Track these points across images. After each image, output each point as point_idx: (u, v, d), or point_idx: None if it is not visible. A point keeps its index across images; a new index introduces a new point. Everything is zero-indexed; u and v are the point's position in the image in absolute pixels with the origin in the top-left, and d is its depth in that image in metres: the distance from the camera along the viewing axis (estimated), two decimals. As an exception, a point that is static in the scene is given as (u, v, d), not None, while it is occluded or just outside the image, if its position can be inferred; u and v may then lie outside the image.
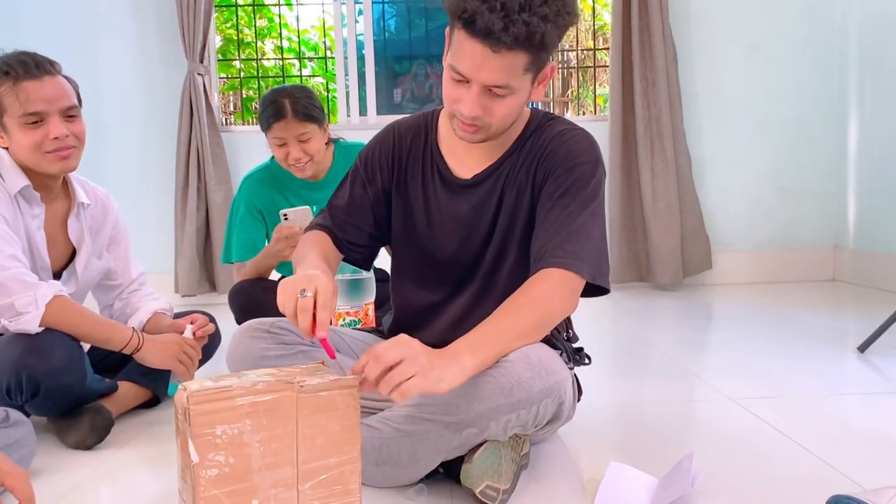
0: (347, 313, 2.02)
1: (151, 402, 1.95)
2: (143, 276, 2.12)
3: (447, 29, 1.27)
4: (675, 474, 1.25)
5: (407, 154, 1.47)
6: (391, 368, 1.07)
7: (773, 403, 1.82)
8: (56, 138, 1.69)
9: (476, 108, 1.25)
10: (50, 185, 1.80)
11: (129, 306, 2.03)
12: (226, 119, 4.50)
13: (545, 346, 1.29)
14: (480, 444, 1.24)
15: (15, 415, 1.45)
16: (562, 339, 1.48)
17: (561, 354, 1.42)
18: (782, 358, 2.30)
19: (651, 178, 3.87)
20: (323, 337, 1.13)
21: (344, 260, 1.51)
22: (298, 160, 2.30)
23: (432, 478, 1.32)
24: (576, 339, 1.57)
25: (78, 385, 1.65)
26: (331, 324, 1.16)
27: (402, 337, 1.13)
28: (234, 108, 4.60)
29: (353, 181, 1.51)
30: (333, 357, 1.15)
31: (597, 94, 4.60)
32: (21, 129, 1.69)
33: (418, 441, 1.23)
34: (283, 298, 1.15)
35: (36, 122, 1.68)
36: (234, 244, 2.52)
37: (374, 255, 1.58)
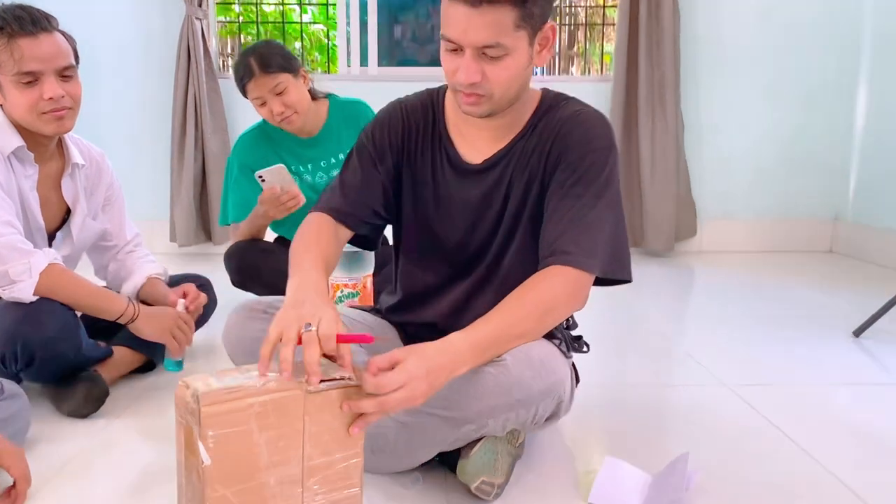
0: (346, 285, 2.00)
1: (146, 367, 1.94)
2: (138, 237, 2.09)
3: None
4: (670, 474, 1.26)
5: (416, 135, 1.42)
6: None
7: (766, 392, 1.83)
8: (51, 98, 1.64)
9: (473, 74, 1.20)
10: (44, 145, 1.76)
11: (124, 269, 2.01)
12: (223, 62, 4.40)
13: (546, 343, 1.29)
14: (478, 440, 1.24)
15: (10, 387, 1.44)
16: (561, 328, 1.47)
17: (560, 344, 1.41)
18: (777, 340, 2.31)
19: (651, 143, 3.83)
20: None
21: (352, 238, 1.46)
22: (281, 114, 2.28)
23: (427, 465, 1.33)
24: (575, 325, 1.56)
25: (73, 354, 1.64)
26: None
27: (412, 368, 1.05)
28: (233, 51, 4.49)
29: (361, 157, 1.43)
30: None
31: (604, 52, 4.50)
32: (15, 87, 1.64)
33: (416, 433, 1.23)
34: (280, 323, 1.06)
35: (31, 81, 1.63)
36: (231, 205, 2.50)
37: (381, 233, 1.55)
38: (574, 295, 1.25)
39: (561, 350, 1.40)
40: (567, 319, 1.53)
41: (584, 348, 1.53)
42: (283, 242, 2.63)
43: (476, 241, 1.41)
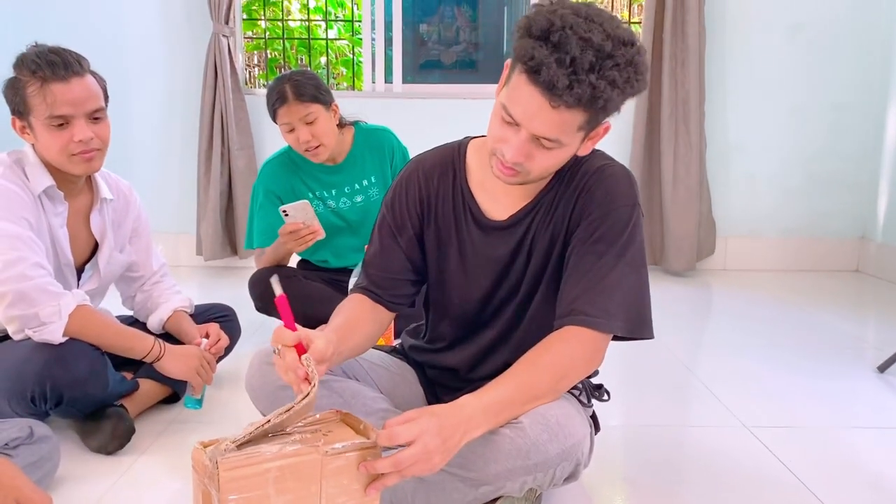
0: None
1: (171, 398, 1.98)
2: (164, 267, 2.13)
3: (508, 60, 1.21)
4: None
5: (436, 194, 1.42)
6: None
7: (787, 436, 1.82)
8: (80, 141, 1.68)
9: (520, 155, 1.18)
10: (74, 182, 1.81)
11: (151, 300, 2.05)
12: (249, 74, 4.44)
13: (564, 401, 1.29)
14: (496, 498, 1.25)
15: (39, 430, 1.48)
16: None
17: (579, 394, 1.42)
18: (799, 373, 2.29)
19: (673, 162, 3.80)
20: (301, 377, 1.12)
21: (397, 311, 1.48)
22: (308, 143, 2.31)
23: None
24: (595, 373, 1.56)
25: (100, 393, 1.68)
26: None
27: (422, 421, 1.08)
28: (259, 63, 4.53)
29: (381, 231, 1.45)
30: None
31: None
32: (47, 130, 1.68)
33: (433, 490, 1.25)
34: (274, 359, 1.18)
35: (62, 124, 1.68)
36: (256, 231, 2.53)
37: (419, 292, 1.55)
38: (590, 357, 1.26)
39: (580, 400, 1.40)
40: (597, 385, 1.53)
41: (605, 397, 1.53)
42: (307, 266, 2.67)
43: (500, 296, 1.42)
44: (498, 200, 1.38)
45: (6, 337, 1.70)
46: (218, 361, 2.03)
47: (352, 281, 2.03)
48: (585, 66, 1.08)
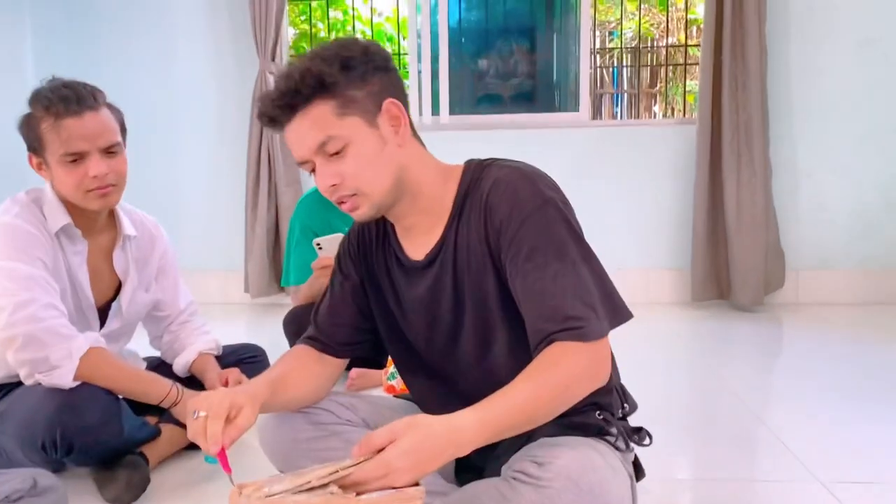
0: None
1: (196, 445, 1.88)
2: (192, 304, 2.06)
3: None
4: None
5: (371, 240, 1.36)
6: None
7: (866, 493, 1.61)
8: (95, 177, 1.63)
9: (327, 178, 1.16)
10: (94, 219, 1.75)
11: (178, 342, 1.98)
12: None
13: (597, 458, 1.12)
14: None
15: (44, 480, 1.39)
16: (615, 421, 1.30)
17: (615, 440, 1.25)
18: (879, 420, 2.06)
19: (736, 189, 3.59)
20: (216, 452, 1.09)
21: (351, 359, 1.41)
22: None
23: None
24: (633, 409, 1.38)
25: (114, 440, 1.60)
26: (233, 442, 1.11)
27: (394, 459, 0.96)
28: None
29: (332, 280, 1.42)
30: (228, 472, 1.08)
31: (686, 90, 4.30)
32: (62, 166, 1.63)
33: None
34: (186, 420, 1.13)
35: (76, 160, 1.63)
36: (292, 267, 2.47)
37: (379, 344, 1.45)
38: (593, 372, 1.12)
39: (617, 446, 1.24)
40: (623, 406, 1.36)
41: (647, 441, 1.35)
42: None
43: (442, 339, 1.30)
44: (415, 242, 1.30)
45: (21, 382, 1.64)
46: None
47: None
48: (282, 85, 1.15)
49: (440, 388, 1.35)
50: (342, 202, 1.19)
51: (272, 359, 2.12)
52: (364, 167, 1.16)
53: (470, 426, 1.01)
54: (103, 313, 1.81)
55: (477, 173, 1.24)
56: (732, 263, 3.62)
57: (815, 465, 1.75)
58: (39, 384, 1.57)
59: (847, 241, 3.71)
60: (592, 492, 1.06)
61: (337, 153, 1.15)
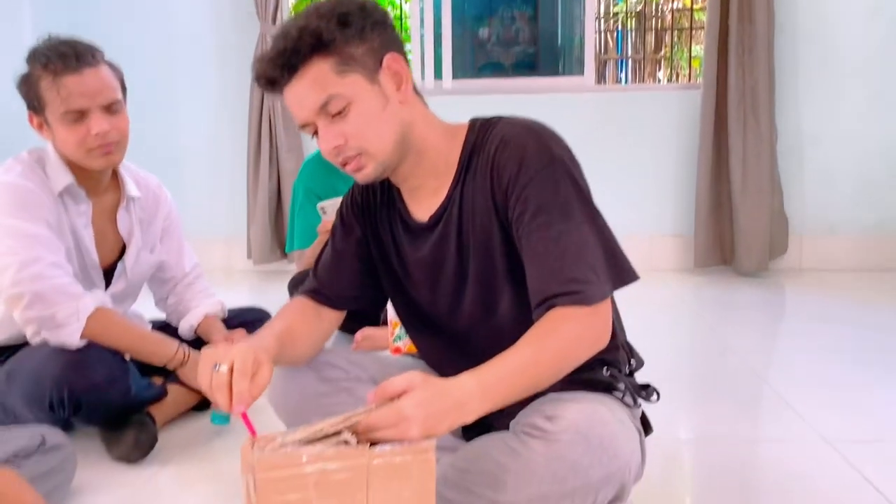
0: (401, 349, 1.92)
1: (203, 405, 1.89)
2: (197, 267, 2.05)
3: None
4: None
5: (376, 199, 1.34)
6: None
7: (872, 450, 1.61)
8: (97, 134, 1.61)
9: (331, 139, 1.12)
10: (97, 179, 1.74)
11: (182, 304, 1.98)
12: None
13: (607, 413, 1.12)
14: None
15: (52, 438, 1.40)
16: (623, 377, 1.30)
17: (623, 396, 1.25)
18: (885, 383, 2.06)
19: (742, 156, 3.57)
20: (241, 412, 1.02)
21: (349, 312, 1.40)
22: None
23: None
24: (640, 365, 1.38)
25: (121, 399, 1.60)
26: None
27: (408, 409, 0.95)
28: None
29: (333, 235, 1.39)
30: (254, 435, 1.00)
31: (692, 56, 4.25)
32: (63, 124, 1.61)
33: (457, 513, 1.11)
34: (200, 372, 1.08)
35: (77, 118, 1.60)
36: (297, 232, 2.47)
37: (379, 304, 1.46)
38: (596, 335, 1.11)
39: (624, 402, 1.24)
40: (629, 362, 1.36)
41: (654, 397, 1.34)
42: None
43: (445, 300, 1.29)
44: (421, 203, 1.28)
45: (27, 344, 1.64)
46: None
47: None
48: (280, 45, 1.11)
49: (447, 345, 1.34)
50: (346, 163, 1.16)
51: (277, 322, 2.13)
52: (367, 125, 1.13)
53: (474, 394, 1.00)
54: (108, 275, 1.81)
55: (483, 131, 1.22)
56: (737, 229, 3.61)
57: (819, 425, 1.76)
58: (46, 344, 1.57)
59: (852, 206, 3.69)
60: (602, 445, 1.06)
61: (339, 113, 1.11)
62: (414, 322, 1.39)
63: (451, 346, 1.33)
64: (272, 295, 3.36)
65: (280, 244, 3.95)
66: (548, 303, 1.09)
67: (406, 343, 2.12)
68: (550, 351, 1.07)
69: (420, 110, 1.21)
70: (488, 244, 1.21)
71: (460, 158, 1.23)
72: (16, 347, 1.66)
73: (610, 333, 1.14)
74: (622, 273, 1.15)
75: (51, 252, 1.57)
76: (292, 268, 3.94)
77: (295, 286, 2.40)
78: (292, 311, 1.34)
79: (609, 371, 1.27)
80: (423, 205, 1.27)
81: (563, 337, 1.08)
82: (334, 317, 1.38)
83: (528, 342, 1.07)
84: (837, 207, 3.70)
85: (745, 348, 2.47)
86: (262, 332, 1.22)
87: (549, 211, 1.12)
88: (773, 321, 2.98)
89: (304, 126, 1.16)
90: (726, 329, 2.74)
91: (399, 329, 2.03)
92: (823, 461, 1.57)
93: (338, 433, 0.98)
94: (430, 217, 1.25)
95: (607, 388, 1.25)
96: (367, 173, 1.17)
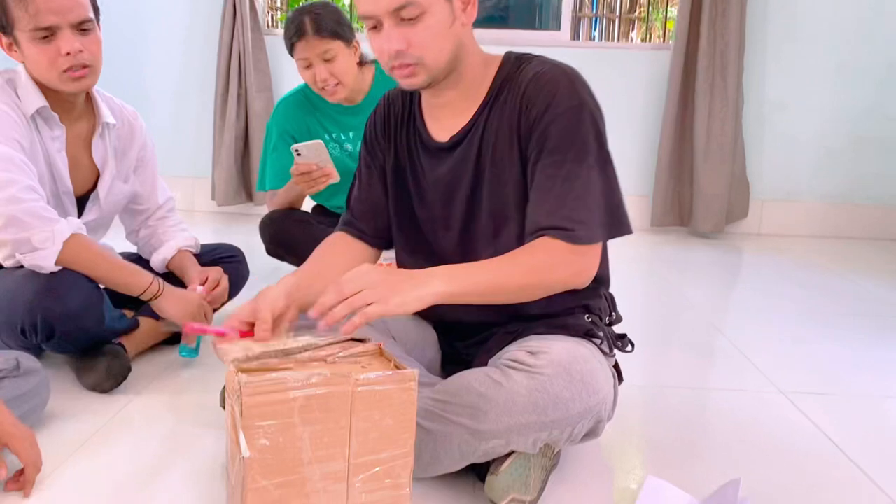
0: (389, 264, 1.91)
1: (173, 339, 1.89)
2: (170, 201, 2.03)
3: None
4: (719, 502, 1.15)
5: (396, 120, 1.38)
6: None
7: (825, 403, 1.69)
8: (69, 54, 1.56)
9: (395, 42, 1.15)
10: (71, 103, 1.69)
11: (155, 237, 1.96)
12: (271, 16, 4.29)
13: (588, 352, 1.17)
14: (508, 454, 1.14)
15: (27, 362, 1.39)
16: (603, 326, 1.35)
17: (601, 343, 1.30)
18: (837, 341, 2.16)
19: (707, 118, 3.62)
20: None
21: (379, 247, 1.45)
22: (325, 81, 2.17)
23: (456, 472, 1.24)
24: (619, 320, 1.44)
25: (95, 328, 1.59)
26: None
27: (364, 267, 1.08)
28: (281, 6, 4.38)
29: (359, 165, 1.44)
30: (223, 335, 1.14)
31: (668, 18, 4.27)
32: (33, 43, 1.56)
33: (440, 442, 1.14)
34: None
35: (47, 36, 1.55)
36: (269, 172, 2.43)
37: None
38: (569, 269, 1.16)
39: (602, 350, 1.29)
40: (610, 314, 1.41)
41: (629, 347, 1.41)
42: (322, 212, 2.56)
43: (456, 221, 1.32)
44: (442, 123, 1.32)
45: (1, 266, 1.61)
46: (222, 305, 1.93)
47: None
48: None
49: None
50: (399, 68, 1.19)
51: (251, 261, 2.13)
52: (433, 38, 1.16)
53: (439, 273, 1.08)
54: (81, 203, 1.78)
55: (518, 64, 1.27)
56: (696, 190, 3.68)
57: (774, 376, 1.84)
58: (19, 268, 1.54)
59: (813, 173, 3.79)
60: (583, 380, 1.11)
61: (411, 19, 1.14)
62: (411, 247, 1.40)
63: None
64: (235, 236, 3.31)
65: (246, 186, 3.91)
66: (539, 232, 1.15)
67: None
68: (523, 267, 1.13)
69: (471, 35, 1.25)
70: (504, 172, 1.25)
71: (491, 86, 1.27)
72: (-14, 272, 1.63)
73: (590, 276, 1.19)
74: (619, 224, 1.20)
75: (25, 175, 1.53)
76: (257, 210, 3.91)
77: (267, 225, 2.38)
78: (329, 245, 1.40)
79: (590, 318, 1.32)
80: (444, 125, 1.31)
81: (539, 260, 1.14)
82: (370, 253, 1.43)
83: (506, 256, 1.15)
84: (799, 174, 3.80)
85: (704, 303, 2.55)
86: (303, 275, 1.29)
87: (566, 151, 1.16)
88: (730, 279, 3.07)
89: (365, 18, 1.17)
90: (684, 285, 2.82)
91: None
92: (777, 410, 1.65)
93: (322, 360, 1.03)
94: (451, 138, 1.29)
95: (587, 333, 1.29)
96: (415, 82, 1.21)
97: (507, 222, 1.26)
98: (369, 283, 1.03)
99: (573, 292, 1.23)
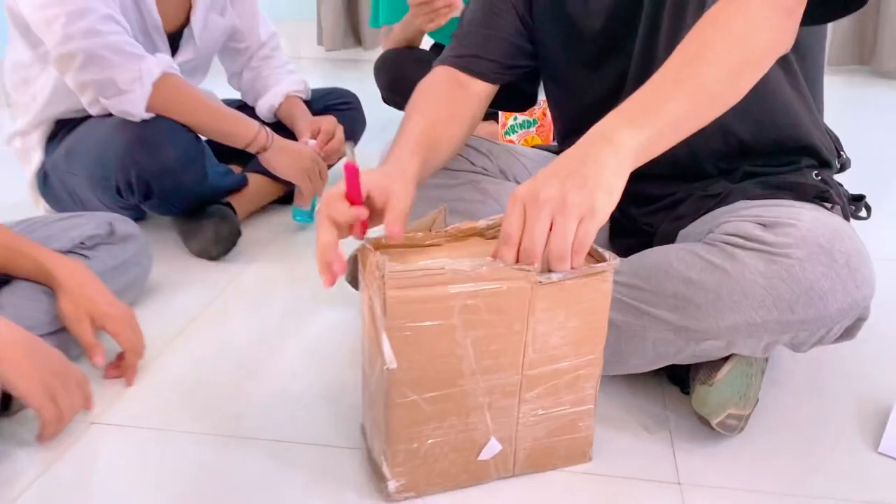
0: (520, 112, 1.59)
1: (287, 198, 1.67)
2: (274, 37, 1.76)
3: None
4: None
5: None
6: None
7: None
8: None
9: None
10: None
11: (260, 80, 1.71)
12: None
13: (848, 230, 0.82)
14: (724, 358, 0.86)
15: (123, 228, 1.19)
16: (835, 184, 1.01)
17: (832, 208, 0.95)
18: None
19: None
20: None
21: (498, 83, 1.08)
22: None
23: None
24: (847, 165, 1.08)
25: (196, 185, 1.38)
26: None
27: (522, 188, 0.70)
28: None
29: None
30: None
31: None
32: None
33: (627, 338, 0.87)
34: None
35: None
36: (382, 5, 2.12)
37: (538, 80, 1.16)
38: (780, 21, 0.77)
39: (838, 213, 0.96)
40: (839, 155, 1.07)
41: (863, 212, 1.05)
42: (442, 51, 2.23)
43: (638, 43, 0.98)
44: None
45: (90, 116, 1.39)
46: (338, 160, 1.69)
47: None
48: None
49: (595, 92, 1.06)
50: None
51: (366, 108, 1.85)
52: None
53: (612, 125, 0.72)
54: (174, 42, 1.52)
55: None
56: (882, 21, 3.09)
57: None
58: (109, 117, 1.32)
59: None
60: (849, 265, 0.78)
61: None
62: (566, 62, 1.08)
63: (603, 89, 1.04)
64: (346, 84, 3.07)
65: (354, 29, 3.60)
66: None
67: (520, 136, 1.83)
68: (721, 38, 0.75)
69: None
70: None
71: None
72: (76, 122, 1.43)
73: (791, 43, 0.80)
74: None
75: (102, 3, 1.28)
76: (368, 56, 3.60)
77: (381, 68, 2.09)
78: (432, 96, 1.03)
79: (820, 175, 0.98)
80: None
81: (736, 16, 0.75)
82: (485, 94, 1.08)
83: (694, 35, 0.77)
84: None
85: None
86: (398, 145, 0.91)
87: None
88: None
89: None
90: (871, 145, 2.36)
91: (512, 120, 1.73)
92: None
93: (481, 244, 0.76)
94: None
95: (816, 196, 0.95)
96: None
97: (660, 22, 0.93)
98: (548, 198, 0.67)
99: (795, 123, 0.93)
